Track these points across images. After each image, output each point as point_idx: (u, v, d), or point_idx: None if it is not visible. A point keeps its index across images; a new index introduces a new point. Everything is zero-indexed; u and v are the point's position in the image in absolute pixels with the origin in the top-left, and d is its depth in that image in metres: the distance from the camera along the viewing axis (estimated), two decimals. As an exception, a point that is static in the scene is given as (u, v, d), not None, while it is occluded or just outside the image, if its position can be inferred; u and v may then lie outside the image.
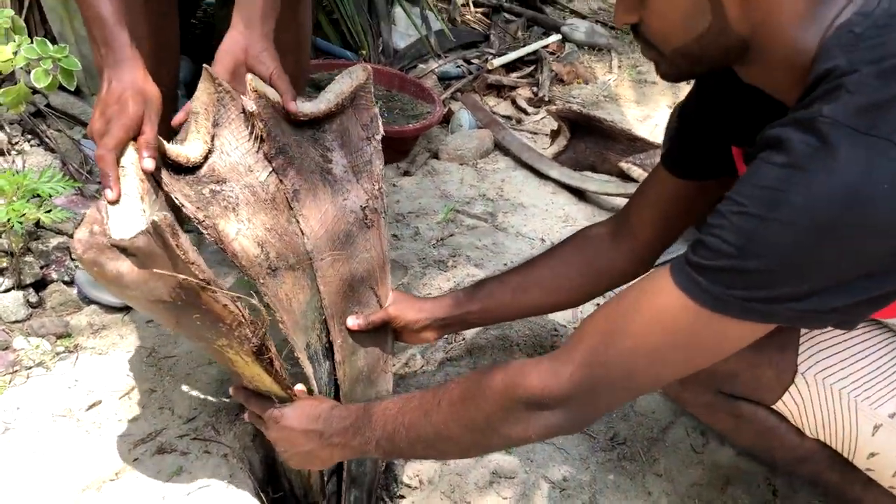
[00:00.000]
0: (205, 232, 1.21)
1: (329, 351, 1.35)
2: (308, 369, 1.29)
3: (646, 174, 2.31)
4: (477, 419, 0.99)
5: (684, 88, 3.28)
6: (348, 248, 1.38)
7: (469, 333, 1.71)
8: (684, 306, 0.84)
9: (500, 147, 2.64)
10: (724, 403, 1.22)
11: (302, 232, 1.32)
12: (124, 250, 0.98)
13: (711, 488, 1.39)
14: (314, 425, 1.14)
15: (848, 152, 0.73)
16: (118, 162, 1.13)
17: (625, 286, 1.05)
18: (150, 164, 1.15)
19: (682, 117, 1.19)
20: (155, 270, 0.98)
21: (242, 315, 1.03)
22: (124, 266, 1.00)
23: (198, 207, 1.20)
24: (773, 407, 1.15)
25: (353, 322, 1.34)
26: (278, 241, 1.29)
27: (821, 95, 0.77)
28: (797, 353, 1.09)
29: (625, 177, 2.36)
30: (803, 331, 1.09)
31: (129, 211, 1.11)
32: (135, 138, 1.16)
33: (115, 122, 1.13)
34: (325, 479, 1.40)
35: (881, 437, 1.07)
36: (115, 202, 1.10)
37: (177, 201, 1.18)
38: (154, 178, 1.20)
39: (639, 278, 1.01)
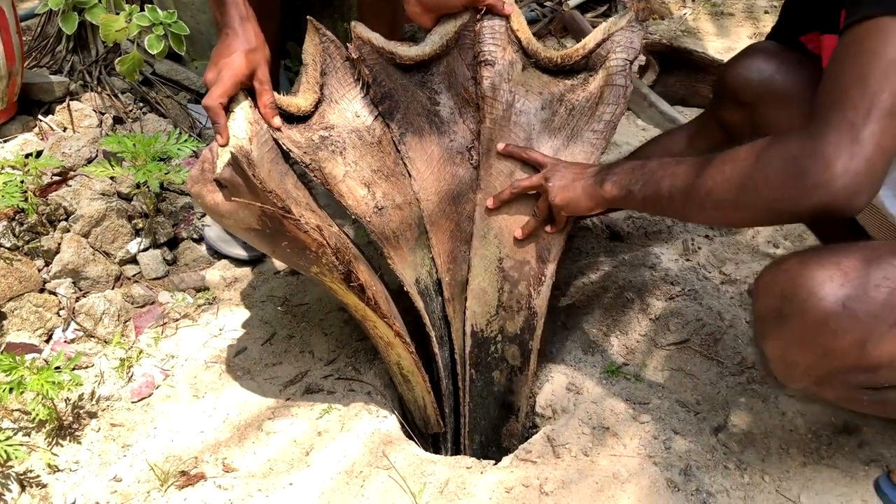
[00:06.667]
0: (311, 175, 1.27)
1: (441, 287, 1.40)
2: (419, 303, 1.35)
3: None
4: (750, 179, 1.00)
5: (763, 19, 3.20)
6: (455, 188, 1.41)
7: (577, 282, 1.74)
8: None
9: (584, 88, 2.62)
10: (867, 395, 1.14)
11: (409, 174, 1.36)
12: (219, 183, 1.08)
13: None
14: (592, 167, 1.27)
15: None
16: (227, 109, 1.22)
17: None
18: (279, 122, 1.27)
19: None
20: (233, 199, 1.06)
21: (326, 241, 1.08)
22: (219, 197, 1.10)
23: (304, 152, 1.27)
24: None
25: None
26: (384, 181, 1.34)
27: None
28: None
29: (718, 109, 2.32)
30: None
31: None
32: (249, 91, 1.25)
33: (225, 75, 1.21)
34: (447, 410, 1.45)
35: None
36: (224, 145, 1.19)
37: (284, 147, 1.25)
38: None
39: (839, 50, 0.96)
